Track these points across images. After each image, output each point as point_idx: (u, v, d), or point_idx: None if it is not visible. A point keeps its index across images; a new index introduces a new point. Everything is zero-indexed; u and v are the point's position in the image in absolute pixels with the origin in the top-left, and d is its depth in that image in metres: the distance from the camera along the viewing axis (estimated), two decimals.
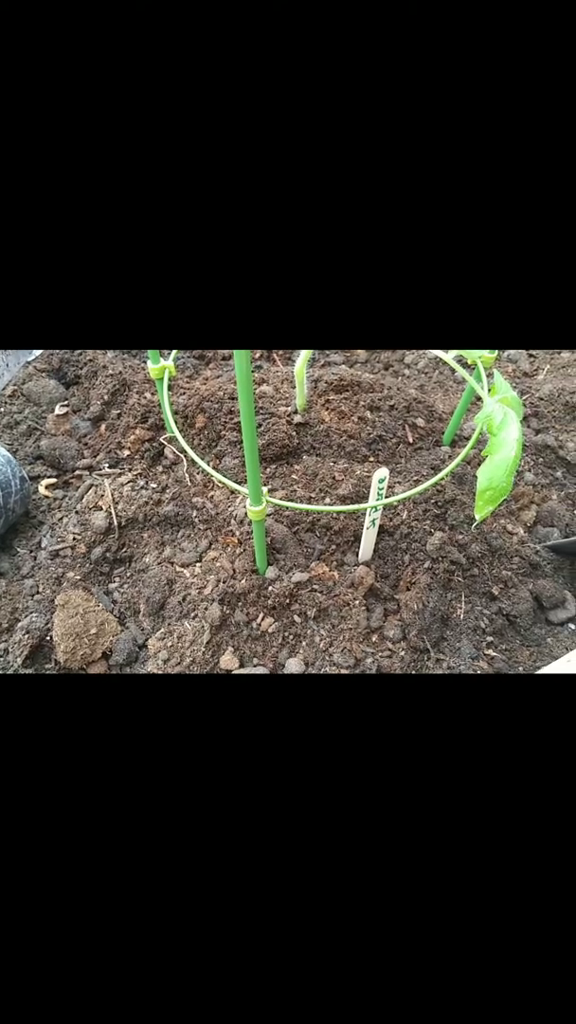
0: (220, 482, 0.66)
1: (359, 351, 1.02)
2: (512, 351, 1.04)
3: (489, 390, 0.63)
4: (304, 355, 0.71)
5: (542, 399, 0.94)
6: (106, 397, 0.82)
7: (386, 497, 0.63)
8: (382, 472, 0.61)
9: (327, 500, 0.72)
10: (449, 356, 0.62)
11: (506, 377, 0.98)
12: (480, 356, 0.68)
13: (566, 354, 1.02)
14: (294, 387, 0.81)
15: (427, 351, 1.02)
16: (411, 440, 0.79)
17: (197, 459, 0.63)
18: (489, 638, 0.69)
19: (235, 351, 0.45)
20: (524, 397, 0.95)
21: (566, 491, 0.85)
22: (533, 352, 1.04)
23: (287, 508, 0.70)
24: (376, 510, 0.65)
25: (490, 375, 0.70)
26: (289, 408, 0.78)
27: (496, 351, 0.70)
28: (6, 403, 0.85)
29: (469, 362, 0.68)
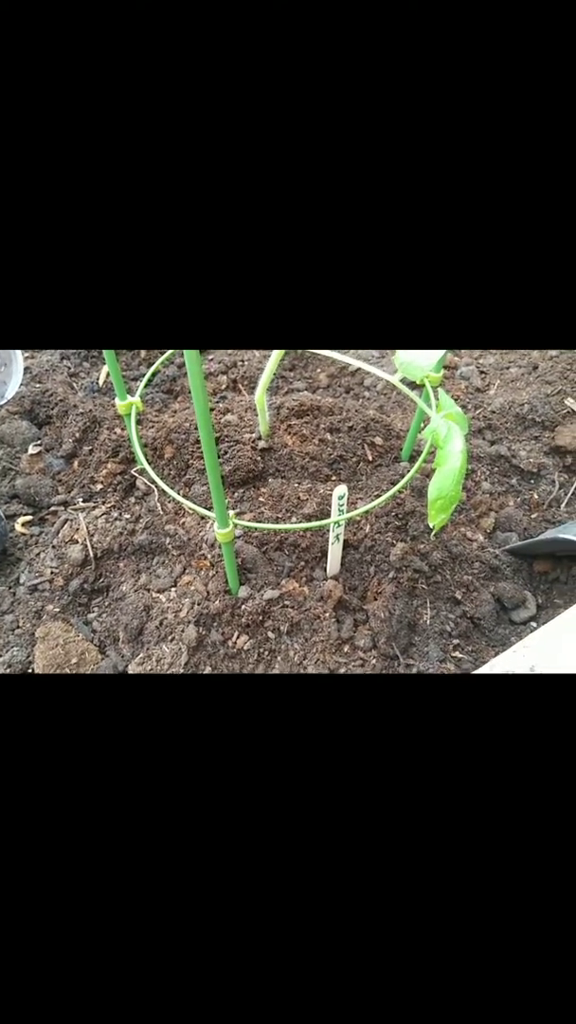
0: (190, 509, 0.69)
1: (320, 376, 1.07)
2: (464, 368, 1.09)
3: (436, 407, 0.68)
4: (263, 383, 0.75)
5: (494, 412, 1.00)
6: (77, 435, 0.85)
7: (347, 512, 0.67)
8: (341, 489, 0.65)
9: (293, 519, 0.75)
10: (396, 379, 0.67)
11: (459, 393, 1.04)
12: (427, 376, 0.73)
13: (514, 370, 1.08)
14: (257, 414, 0.85)
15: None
16: (371, 458, 0.83)
17: (167, 488, 0.67)
18: (455, 640, 0.73)
19: (190, 373, 0.48)
20: (478, 411, 1.00)
21: (521, 496, 0.90)
22: (484, 368, 1.10)
23: (254, 529, 0.73)
24: (339, 525, 0.68)
25: (439, 392, 0.75)
26: (253, 435, 0.82)
27: (442, 371, 0.75)
28: None
29: (418, 382, 0.73)
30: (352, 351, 1.13)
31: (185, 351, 0.46)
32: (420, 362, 0.64)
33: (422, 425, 0.83)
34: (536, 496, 0.90)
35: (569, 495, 0.91)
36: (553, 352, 1.09)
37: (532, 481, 0.92)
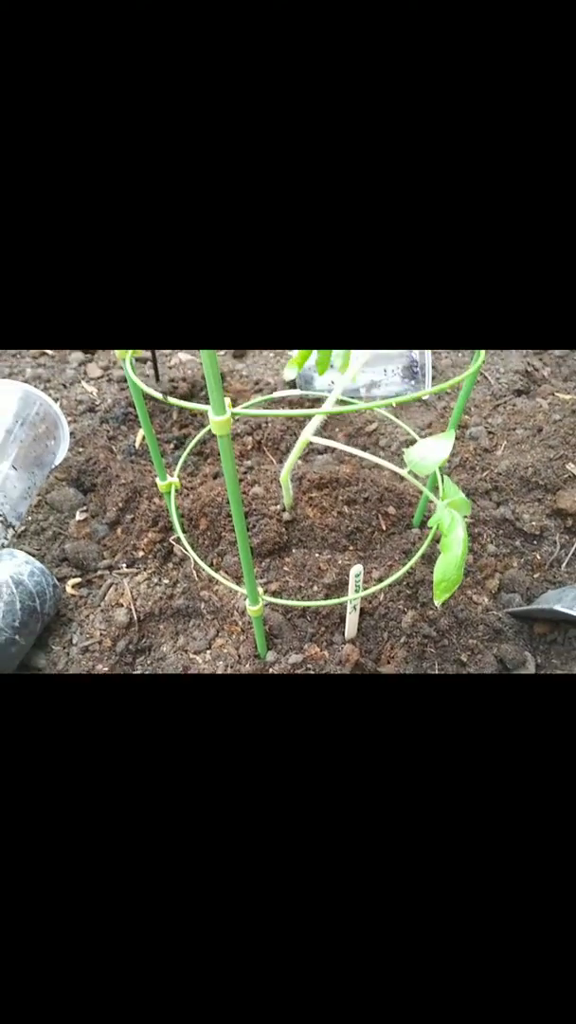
0: (223, 583, 0.78)
1: (339, 435, 1.16)
2: (473, 429, 1.17)
3: (441, 494, 0.76)
4: (288, 466, 0.84)
5: (500, 474, 1.07)
6: (120, 504, 0.95)
7: (363, 584, 0.75)
8: (357, 568, 0.73)
9: (315, 588, 0.84)
10: (405, 471, 0.75)
11: (469, 455, 1.12)
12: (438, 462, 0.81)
13: (520, 431, 1.16)
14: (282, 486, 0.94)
15: (394, 439, 1.15)
16: (384, 527, 0.91)
17: (200, 562, 0.76)
18: None
19: (224, 469, 0.56)
20: (485, 473, 1.08)
21: (525, 558, 0.98)
22: (492, 429, 1.18)
23: (283, 605, 0.82)
24: (356, 600, 0.77)
25: (444, 480, 0.83)
26: (278, 507, 0.91)
27: (446, 461, 0.83)
28: (33, 512, 0.98)
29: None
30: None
31: (220, 448, 0.54)
32: (429, 460, 0.72)
33: (429, 503, 0.91)
34: (538, 557, 0.98)
35: (569, 556, 0.99)
36: (556, 416, 1.17)
37: (535, 542, 0.99)
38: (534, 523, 1.00)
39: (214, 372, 0.48)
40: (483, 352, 0.70)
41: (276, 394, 1.05)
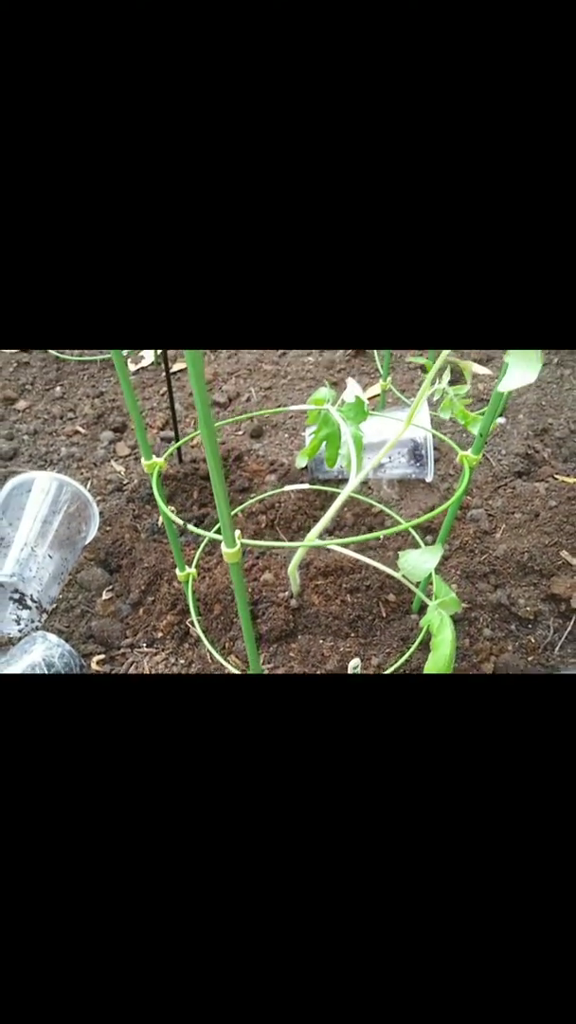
0: (231, 669, 0.86)
1: (347, 515, 1.24)
2: (474, 511, 1.24)
3: (434, 594, 0.83)
4: (295, 561, 0.92)
5: (498, 558, 1.14)
6: (143, 586, 1.04)
7: (361, 673, 0.82)
8: (355, 662, 0.81)
9: (318, 673, 0.91)
10: (399, 575, 0.83)
11: (469, 538, 1.19)
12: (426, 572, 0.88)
13: (518, 515, 1.23)
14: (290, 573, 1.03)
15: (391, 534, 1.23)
16: (384, 614, 0.98)
17: (211, 648, 0.83)
18: None
19: (236, 591, 0.63)
20: (484, 556, 1.15)
21: (520, 642, 1.03)
22: (492, 511, 1.25)
23: None
24: None
25: (435, 579, 0.90)
26: (286, 593, 0.99)
27: (443, 548, 0.90)
28: (64, 591, 1.08)
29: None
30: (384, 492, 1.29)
31: (232, 573, 0.62)
32: (420, 569, 0.79)
33: (428, 585, 0.98)
34: (533, 641, 1.03)
35: (563, 640, 1.04)
36: (552, 502, 1.23)
37: (529, 627, 1.05)
38: (529, 608, 1.06)
39: (224, 503, 0.57)
40: (466, 478, 0.78)
41: (287, 488, 1.14)
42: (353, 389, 0.99)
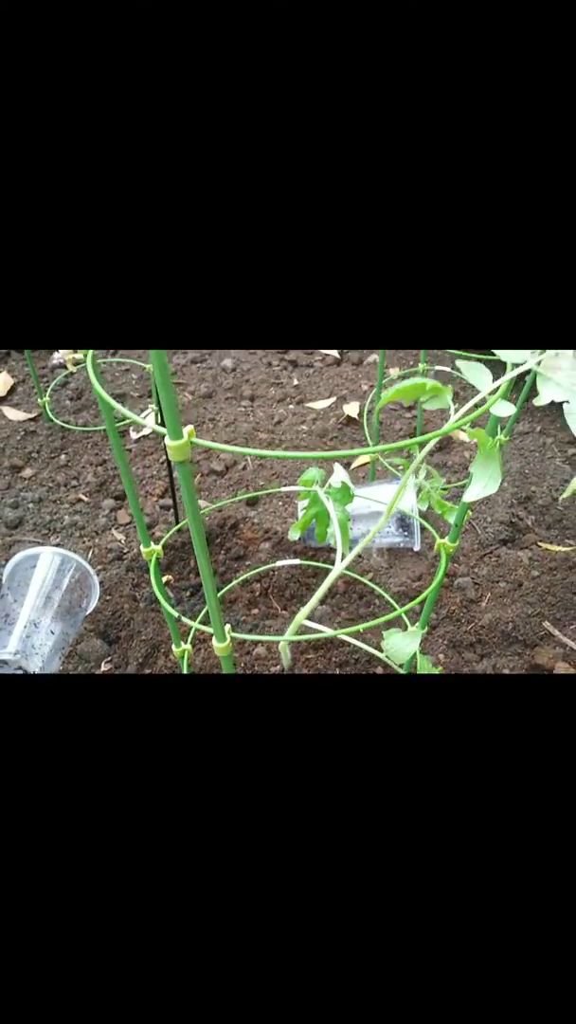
0: None
1: (340, 584, 1.29)
2: (461, 579, 1.29)
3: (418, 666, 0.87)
4: (286, 637, 0.97)
5: (483, 627, 1.18)
6: (140, 659, 1.08)
7: None
8: None
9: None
10: (383, 655, 0.87)
11: (455, 607, 1.23)
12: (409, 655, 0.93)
13: (503, 584, 1.27)
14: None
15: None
16: None
17: None
18: None
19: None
20: (470, 625, 1.19)
21: None
22: (478, 580, 1.30)
23: None
24: None
25: (419, 659, 0.94)
26: (278, 667, 1.03)
27: (425, 628, 0.94)
28: (64, 663, 1.12)
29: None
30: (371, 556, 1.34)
31: (223, 663, 0.67)
32: (402, 652, 0.84)
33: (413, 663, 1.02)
34: None
35: None
36: (535, 572, 1.28)
37: None
38: None
39: (214, 601, 0.62)
40: (443, 565, 0.83)
41: (278, 563, 1.19)
42: (339, 475, 1.06)
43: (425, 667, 0.87)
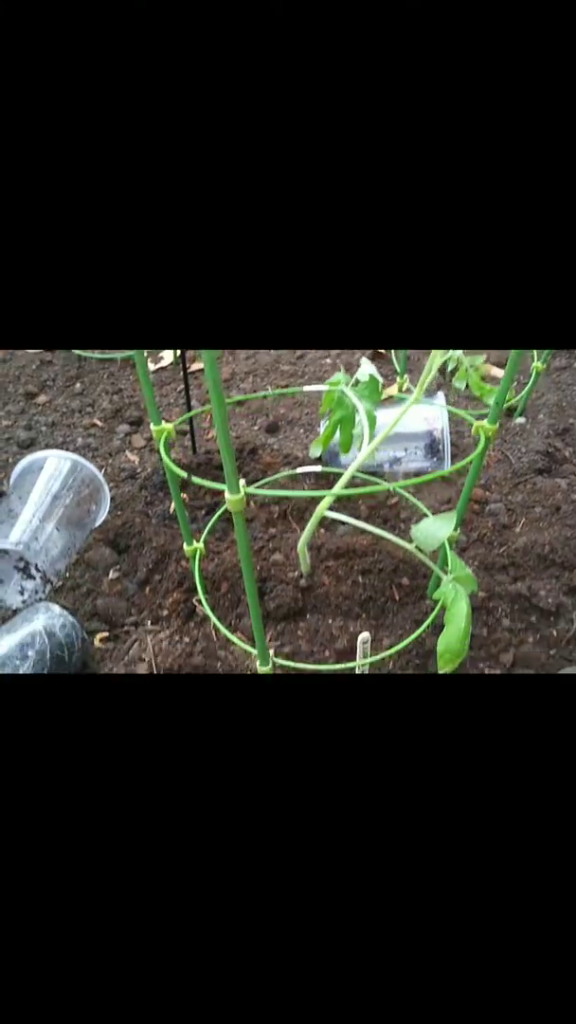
0: (236, 643, 0.82)
1: (361, 507, 1.21)
2: (493, 505, 1.21)
3: (450, 568, 0.80)
4: (304, 537, 0.90)
5: (517, 551, 1.10)
6: (150, 565, 1.02)
7: (371, 655, 0.78)
8: (364, 636, 0.77)
9: (327, 652, 0.87)
10: (412, 546, 0.80)
11: (487, 530, 1.15)
12: (449, 536, 0.85)
13: (539, 509, 1.19)
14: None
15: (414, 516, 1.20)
16: (397, 597, 0.95)
17: (217, 623, 0.81)
18: None
19: (238, 540, 0.61)
20: (503, 549, 1.11)
21: (541, 634, 0.98)
22: (511, 506, 1.21)
23: (291, 668, 0.86)
24: (364, 665, 0.80)
25: (451, 555, 0.86)
26: (296, 573, 0.96)
27: (459, 529, 0.87)
28: (71, 569, 1.06)
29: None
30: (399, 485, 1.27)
31: (235, 523, 0.60)
32: (433, 538, 0.76)
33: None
34: (555, 634, 0.98)
35: None
36: (575, 496, 1.19)
37: (551, 619, 1.00)
38: (551, 600, 1.01)
39: (229, 453, 0.55)
40: (481, 447, 0.75)
41: (300, 469, 1.12)
42: (367, 368, 0.98)
43: (457, 565, 0.79)
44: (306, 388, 0.97)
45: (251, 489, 0.60)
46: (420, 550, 0.80)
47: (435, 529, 0.76)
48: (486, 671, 0.91)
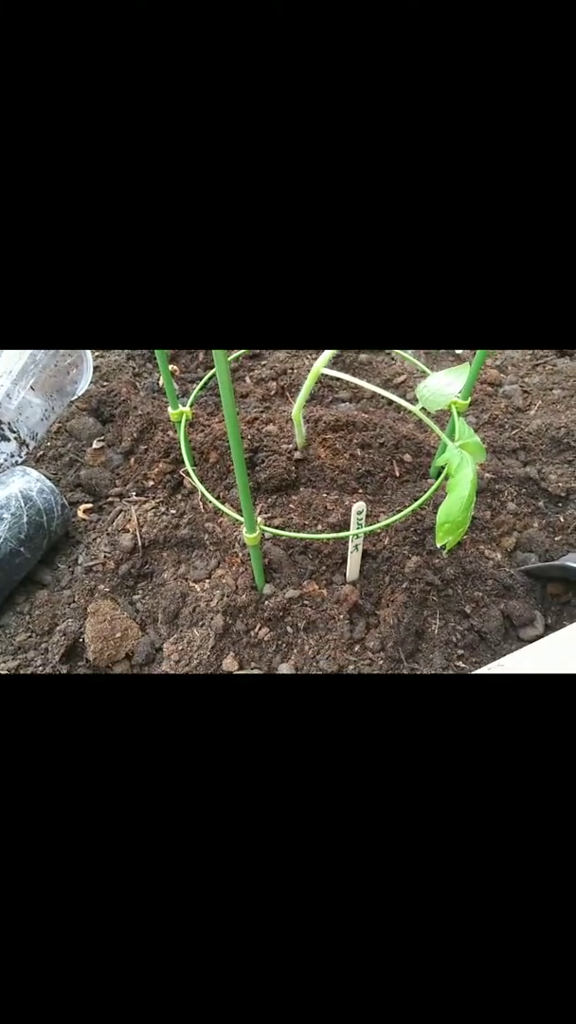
0: (224, 512, 0.77)
1: (365, 389, 1.13)
2: (508, 387, 1.12)
3: (456, 435, 0.73)
4: (299, 400, 0.82)
5: (530, 433, 1.02)
6: (135, 434, 0.95)
7: (365, 526, 0.73)
8: (359, 505, 0.71)
9: (320, 527, 0.82)
10: (417, 408, 0.72)
11: (499, 412, 1.07)
12: (454, 402, 0.77)
13: (557, 391, 1.10)
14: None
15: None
16: (398, 474, 0.89)
17: (206, 494, 0.75)
18: (460, 651, 0.78)
19: (221, 383, 0.54)
20: (514, 431, 1.04)
21: (547, 519, 0.93)
22: (527, 388, 1.12)
23: (280, 536, 0.81)
24: (357, 537, 0.75)
25: (459, 421, 0.79)
26: (290, 445, 0.89)
27: (469, 398, 0.79)
28: (52, 439, 1.00)
29: (446, 406, 0.78)
30: (407, 352, 1.17)
31: (218, 371, 0.53)
32: (443, 392, 0.69)
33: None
34: (562, 519, 0.93)
35: None
36: None
37: (559, 505, 0.95)
38: (561, 484, 0.95)
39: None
40: None
41: None
42: None
43: (465, 431, 0.72)
44: None
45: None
46: (426, 412, 0.72)
47: (443, 385, 0.68)
48: (485, 553, 0.87)
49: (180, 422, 0.84)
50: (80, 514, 0.91)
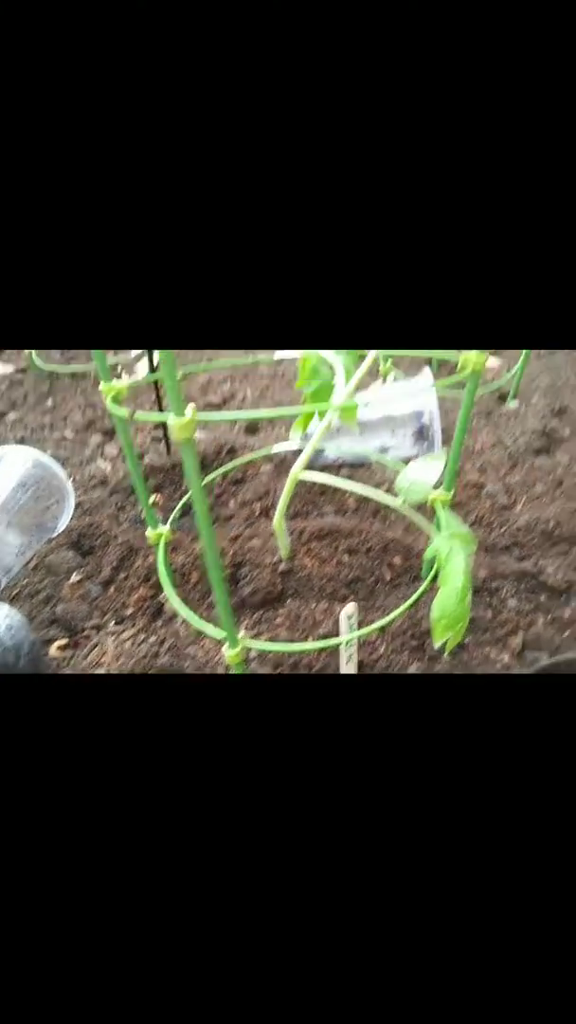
0: (203, 630, 0.72)
1: (349, 500, 1.12)
2: (490, 487, 1.12)
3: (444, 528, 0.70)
4: (280, 508, 0.80)
5: (520, 529, 1.00)
6: (115, 563, 0.92)
7: (356, 631, 0.68)
8: (349, 608, 0.66)
9: (310, 640, 0.76)
10: (398, 501, 0.70)
11: (485, 511, 1.05)
12: (436, 497, 0.75)
13: (539, 486, 1.09)
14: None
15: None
16: (389, 578, 0.84)
17: (183, 614, 0.70)
18: None
19: (191, 486, 0.51)
20: (503, 529, 1.01)
21: (552, 614, 0.87)
22: (510, 487, 1.12)
23: (264, 650, 0.75)
24: (351, 646, 0.69)
25: (445, 512, 0.77)
26: (275, 558, 0.86)
27: (452, 491, 0.77)
28: (29, 575, 0.96)
29: (428, 502, 0.76)
30: (388, 459, 1.18)
31: (193, 494, 0.51)
32: (420, 483, 0.67)
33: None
34: (567, 613, 0.87)
35: None
36: None
37: (562, 598, 0.90)
38: (560, 577, 0.91)
39: (172, 375, 0.47)
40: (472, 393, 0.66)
41: (275, 447, 1.04)
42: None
43: (452, 522, 0.69)
44: (277, 354, 0.90)
45: (203, 416, 0.51)
46: (410, 507, 0.70)
47: (421, 474, 0.66)
48: (492, 655, 0.80)
49: (159, 544, 0.81)
50: (53, 651, 0.85)
